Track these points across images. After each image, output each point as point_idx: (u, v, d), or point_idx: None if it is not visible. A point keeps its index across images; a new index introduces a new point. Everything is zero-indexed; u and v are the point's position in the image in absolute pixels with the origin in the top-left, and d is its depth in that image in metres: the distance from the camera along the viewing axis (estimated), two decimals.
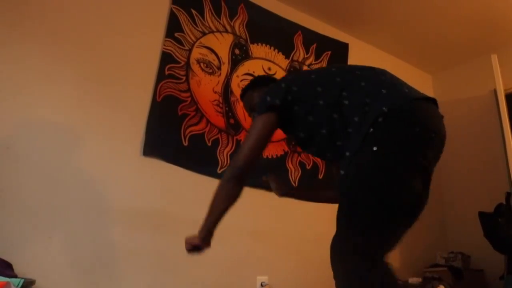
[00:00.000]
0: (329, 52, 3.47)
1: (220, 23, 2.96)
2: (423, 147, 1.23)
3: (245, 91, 1.73)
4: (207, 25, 2.90)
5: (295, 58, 3.28)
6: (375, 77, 1.37)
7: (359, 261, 1.15)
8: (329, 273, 1.24)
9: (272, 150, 2.93)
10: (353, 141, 1.24)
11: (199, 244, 1.41)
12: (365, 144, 1.20)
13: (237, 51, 2.98)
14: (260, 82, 1.73)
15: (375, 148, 1.18)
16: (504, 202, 2.99)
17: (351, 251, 1.17)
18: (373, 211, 1.18)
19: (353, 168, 1.22)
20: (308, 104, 1.37)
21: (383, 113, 1.20)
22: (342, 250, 1.19)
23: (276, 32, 3.23)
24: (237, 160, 1.38)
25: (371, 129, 1.20)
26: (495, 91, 3.22)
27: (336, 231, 1.24)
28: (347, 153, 1.25)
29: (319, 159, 3.13)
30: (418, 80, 4.15)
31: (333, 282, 1.21)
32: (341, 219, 1.23)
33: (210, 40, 2.88)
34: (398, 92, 1.29)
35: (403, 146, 1.20)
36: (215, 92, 2.80)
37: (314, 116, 1.36)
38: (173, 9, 2.76)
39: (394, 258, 3.32)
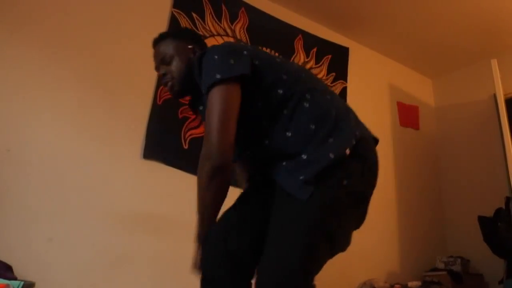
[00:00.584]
0: (330, 56, 3.47)
1: (221, 26, 2.97)
2: (371, 187, 1.22)
3: (163, 37, 1.36)
4: (208, 28, 2.91)
5: (295, 62, 3.28)
6: (339, 98, 1.31)
7: None
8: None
9: None
10: (310, 150, 1.11)
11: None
12: (338, 168, 1.10)
13: None
14: (185, 34, 1.42)
15: (345, 183, 1.11)
16: (503, 207, 2.99)
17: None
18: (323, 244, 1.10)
19: (320, 193, 1.08)
20: (265, 87, 1.17)
21: (356, 137, 1.15)
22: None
23: (277, 36, 3.23)
24: (212, 146, 1.09)
25: (348, 151, 1.11)
26: (495, 96, 3.23)
27: (279, 258, 1.04)
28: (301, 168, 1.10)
29: None
30: (418, 84, 4.16)
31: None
32: (291, 243, 1.06)
33: (210, 43, 2.88)
34: (360, 123, 1.27)
35: (367, 185, 1.19)
36: None
37: (263, 102, 1.17)
38: (174, 12, 2.77)
39: (394, 262, 3.32)
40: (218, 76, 1.10)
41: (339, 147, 1.11)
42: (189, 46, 1.34)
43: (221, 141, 1.09)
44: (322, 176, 1.08)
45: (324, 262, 1.13)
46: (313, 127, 1.13)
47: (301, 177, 1.09)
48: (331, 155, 1.09)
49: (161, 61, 1.34)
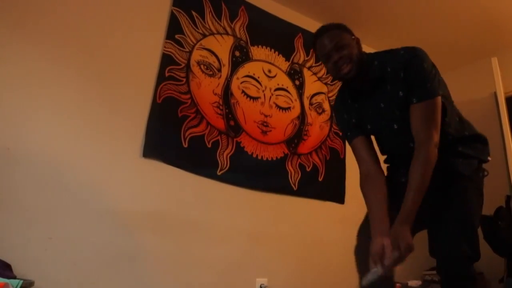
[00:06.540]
0: None
1: (220, 25, 2.97)
2: None
3: (346, 30, 1.62)
4: (207, 27, 2.90)
5: (295, 61, 3.28)
6: None
7: None
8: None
9: (272, 153, 2.93)
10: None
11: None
12: None
13: (237, 53, 2.99)
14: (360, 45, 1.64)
15: None
16: (504, 205, 2.99)
17: None
18: None
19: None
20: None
21: None
22: None
23: (277, 34, 3.23)
24: (433, 136, 1.43)
25: None
26: (495, 94, 3.22)
27: None
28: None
29: (319, 161, 3.13)
30: None
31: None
32: None
33: (210, 42, 2.88)
34: None
35: None
36: (215, 94, 2.80)
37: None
38: (174, 11, 2.77)
39: None
40: (440, 93, 1.51)
41: None
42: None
43: (437, 139, 1.44)
44: None
45: None
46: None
47: None
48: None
49: (338, 47, 1.55)
